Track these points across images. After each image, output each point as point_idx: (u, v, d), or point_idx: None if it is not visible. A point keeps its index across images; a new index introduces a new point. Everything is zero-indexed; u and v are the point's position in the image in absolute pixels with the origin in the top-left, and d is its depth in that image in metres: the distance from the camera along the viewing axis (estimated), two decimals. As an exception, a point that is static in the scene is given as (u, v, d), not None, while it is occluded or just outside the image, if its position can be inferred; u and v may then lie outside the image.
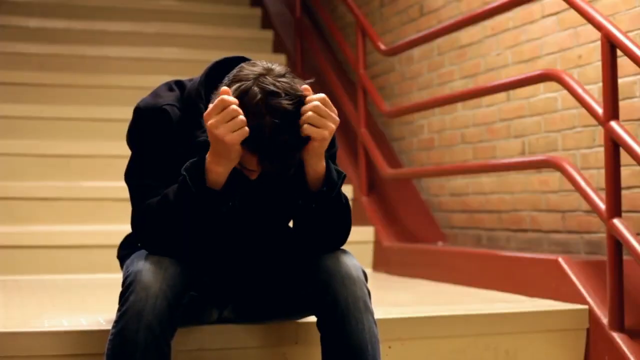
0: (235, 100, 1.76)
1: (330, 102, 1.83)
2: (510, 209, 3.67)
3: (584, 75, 3.20)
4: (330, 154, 2.04)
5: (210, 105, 1.78)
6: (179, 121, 1.93)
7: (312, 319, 2.16)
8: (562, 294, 2.74)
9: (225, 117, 1.75)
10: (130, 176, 1.98)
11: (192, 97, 1.95)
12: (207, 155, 1.82)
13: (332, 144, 2.05)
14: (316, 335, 2.00)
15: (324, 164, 1.88)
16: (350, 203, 4.33)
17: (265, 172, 1.85)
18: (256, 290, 2.11)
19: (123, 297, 1.83)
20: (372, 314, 1.93)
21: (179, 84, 2.00)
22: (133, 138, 1.98)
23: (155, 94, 1.98)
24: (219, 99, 1.76)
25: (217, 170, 1.82)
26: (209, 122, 1.76)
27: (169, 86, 2.00)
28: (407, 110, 4.12)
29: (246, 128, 1.75)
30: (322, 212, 1.92)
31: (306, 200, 1.91)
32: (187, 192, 1.83)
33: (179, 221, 1.85)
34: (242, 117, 1.75)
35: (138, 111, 1.96)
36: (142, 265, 1.85)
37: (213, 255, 2.03)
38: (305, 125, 1.79)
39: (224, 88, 1.78)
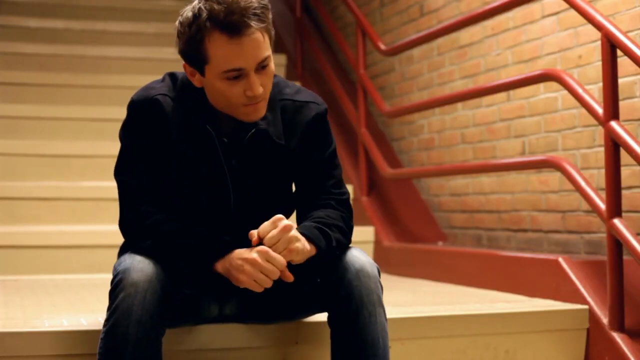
0: (290, 277, 1.88)
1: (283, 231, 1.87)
2: (510, 209, 3.67)
3: (584, 75, 3.20)
4: (329, 153, 2.04)
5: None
6: (172, 110, 1.97)
7: (313, 318, 2.16)
8: (562, 294, 2.74)
9: (261, 275, 1.85)
10: (121, 173, 2.01)
11: (187, 83, 2.00)
12: (218, 266, 1.90)
13: (329, 142, 2.05)
14: (317, 335, 2.00)
15: (312, 252, 1.91)
16: (350, 203, 4.38)
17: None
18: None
19: (112, 295, 1.84)
20: (384, 309, 1.94)
21: (171, 75, 2.05)
22: (127, 132, 2.01)
23: (148, 87, 2.02)
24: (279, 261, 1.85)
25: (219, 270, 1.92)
26: (250, 256, 1.85)
27: (161, 78, 2.05)
28: (407, 110, 4.11)
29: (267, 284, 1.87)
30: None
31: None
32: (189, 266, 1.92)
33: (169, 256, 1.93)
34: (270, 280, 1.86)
35: (132, 104, 2.00)
36: (130, 262, 1.86)
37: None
38: (285, 253, 1.86)
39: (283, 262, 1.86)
